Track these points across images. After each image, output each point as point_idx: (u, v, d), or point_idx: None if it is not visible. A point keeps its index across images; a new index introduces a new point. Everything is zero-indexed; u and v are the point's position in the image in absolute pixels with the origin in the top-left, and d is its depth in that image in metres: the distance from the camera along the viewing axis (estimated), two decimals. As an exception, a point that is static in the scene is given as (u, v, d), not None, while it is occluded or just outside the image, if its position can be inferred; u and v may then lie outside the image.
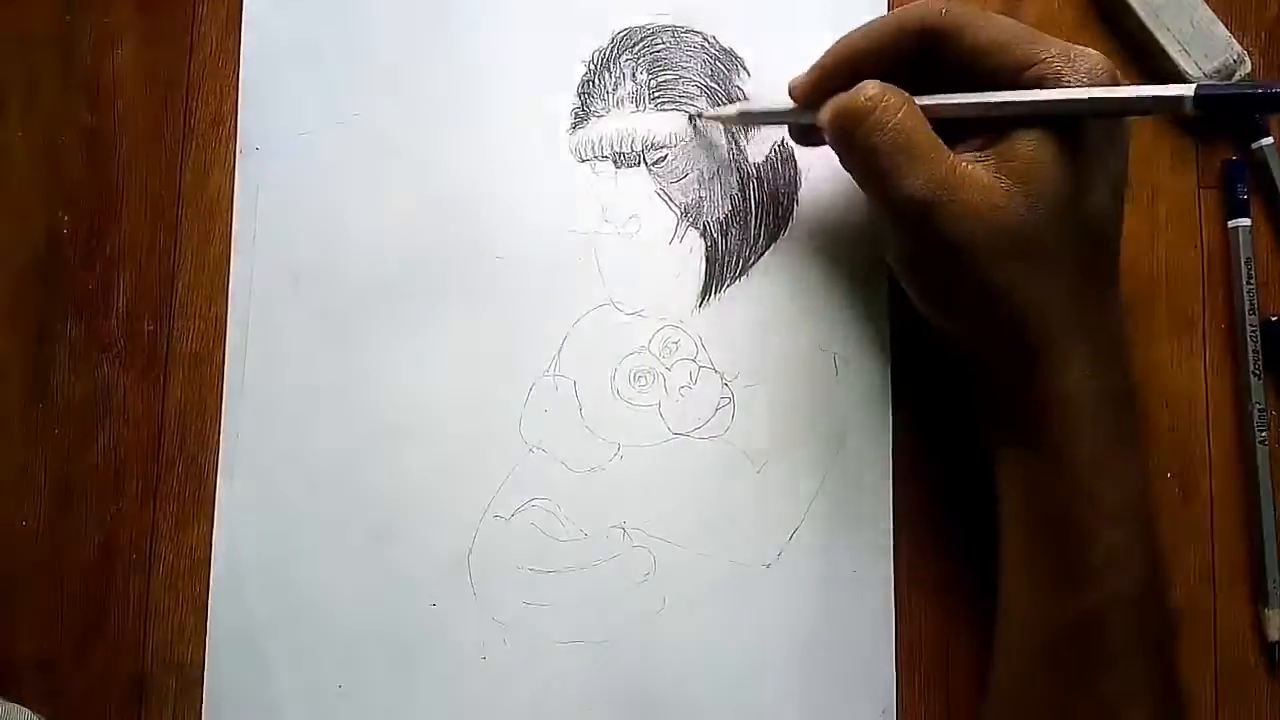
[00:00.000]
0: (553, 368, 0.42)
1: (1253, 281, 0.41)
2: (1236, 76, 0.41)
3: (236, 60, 0.44)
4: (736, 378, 0.42)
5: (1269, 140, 0.41)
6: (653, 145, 0.42)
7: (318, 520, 0.42)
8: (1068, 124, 0.34)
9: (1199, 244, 0.42)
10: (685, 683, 0.41)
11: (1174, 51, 0.41)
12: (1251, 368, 0.41)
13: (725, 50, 0.43)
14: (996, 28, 0.35)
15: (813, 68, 0.38)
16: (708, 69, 0.43)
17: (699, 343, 0.42)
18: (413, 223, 0.43)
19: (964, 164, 0.34)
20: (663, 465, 0.41)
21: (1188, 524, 0.41)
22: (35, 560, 0.42)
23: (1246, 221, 0.41)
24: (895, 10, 0.37)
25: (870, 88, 0.35)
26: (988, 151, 0.34)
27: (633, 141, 0.42)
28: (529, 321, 0.42)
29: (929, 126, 0.34)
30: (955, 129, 0.35)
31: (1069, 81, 0.33)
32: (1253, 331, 0.41)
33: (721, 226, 0.42)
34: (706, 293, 0.42)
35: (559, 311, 0.42)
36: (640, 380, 0.42)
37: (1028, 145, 0.33)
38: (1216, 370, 0.42)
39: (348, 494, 0.42)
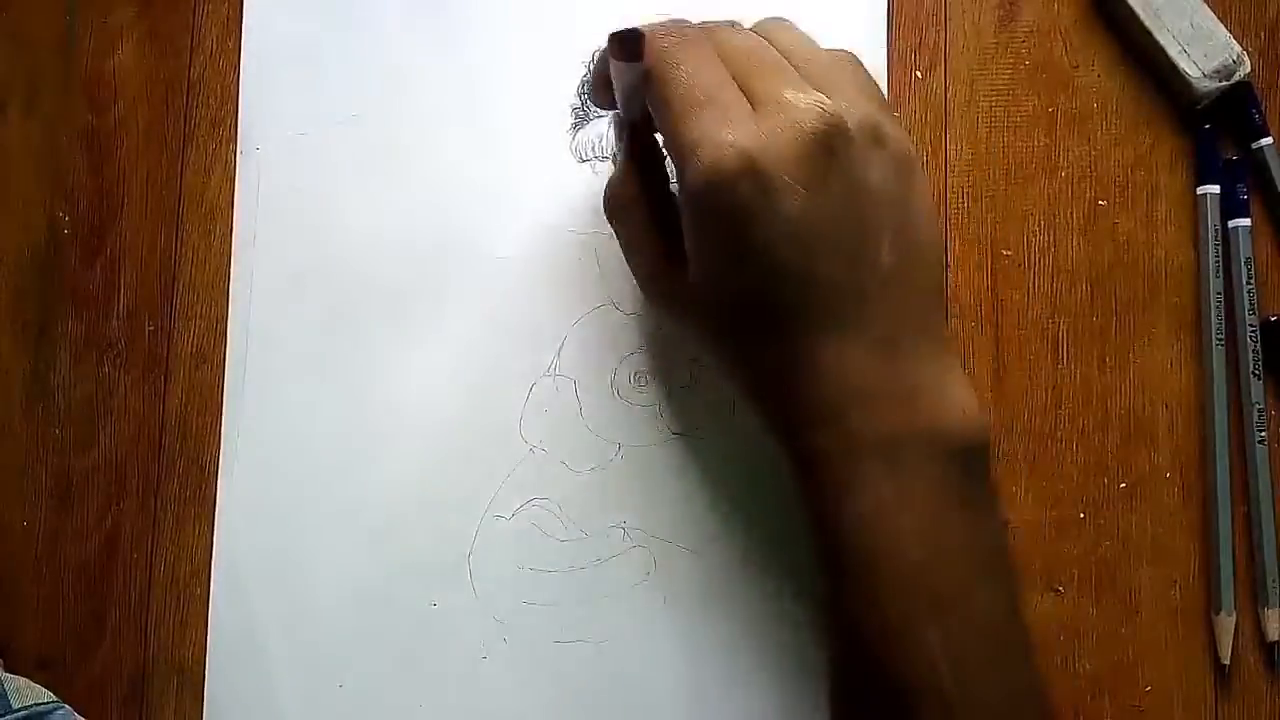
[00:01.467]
0: (553, 368, 0.42)
1: (1252, 281, 0.41)
2: (1236, 77, 0.41)
3: (237, 61, 0.44)
4: (736, 378, 0.42)
5: (1268, 140, 0.41)
6: (653, 145, 0.42)
7: (318, 520, 0.42)
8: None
9: (1198, 244, 0.42)
10: (685, 683, 0.41)
11: (1174, 52, 0.41)
12: (1251, 368, 0.41)
13: (725, 50, 0.43)
14: (698, 72, 0.34)
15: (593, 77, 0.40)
16: (708, 69, 0.43)
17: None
18: (413, 223, 0.43)
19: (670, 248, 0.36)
20: (663, 465, 0.41)
21: (1187, 524, 0.41)
22: (36, 560, 0.43)
23: (1246, 221, 0.41)
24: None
25: (612, 182, 0.39)
26: None
27: (633, 141, 0.42)
28: (529, 321, 0.42)
29: (647, 221, 0.38)
30: None
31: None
32: (1252, 331, 0.41)
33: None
34: (706, 293, 0.42)
35: (559, 311, 0.42)
36: (640, 380, 0.42)
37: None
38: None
39: (348, 493, 0.42)
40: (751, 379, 0.36)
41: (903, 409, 0.33)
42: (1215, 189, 0.41)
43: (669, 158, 0.35)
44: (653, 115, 0.35)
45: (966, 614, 0.33)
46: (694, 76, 0.33)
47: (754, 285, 0.33)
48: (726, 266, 0.34)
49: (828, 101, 0.33)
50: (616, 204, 0.39)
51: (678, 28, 0.35)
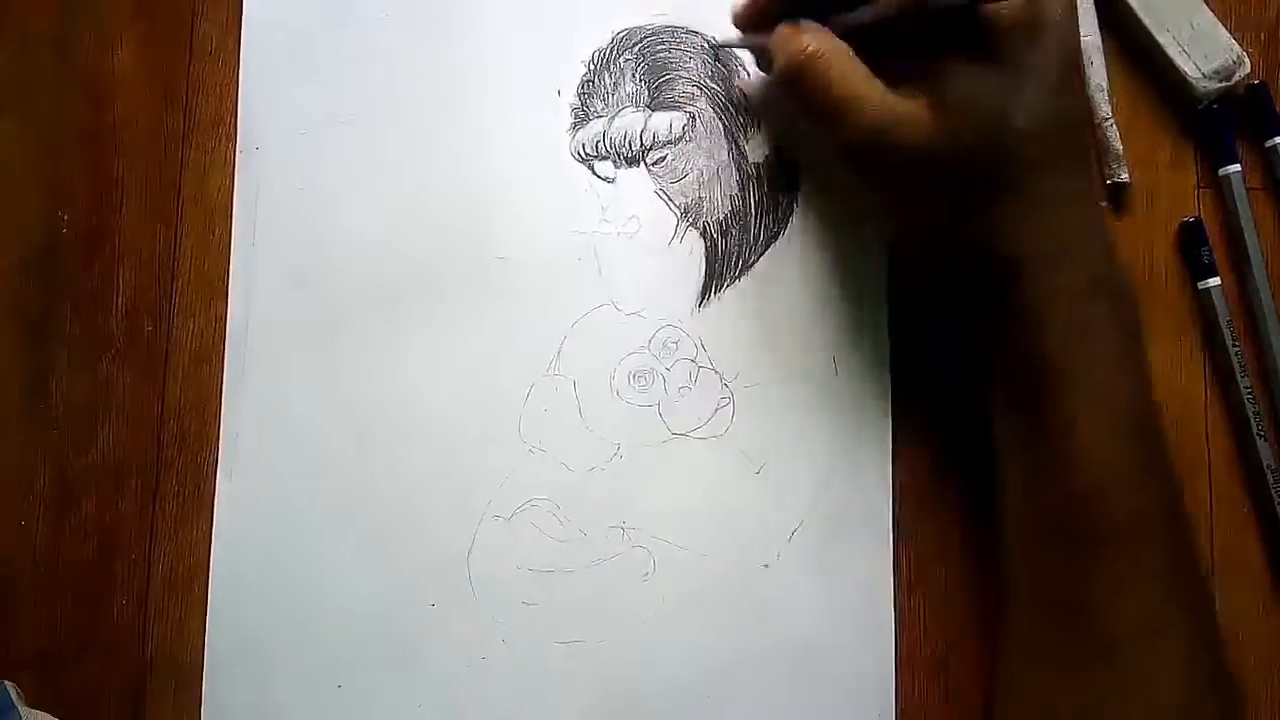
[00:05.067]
0: (553, 368, 0.42)
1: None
2: (1236, 78, 0.41)
3: (236, 60, 0.44)
4: (736, 378, 0.42)
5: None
6: (653, 145, 0.43)
7: (317, 520, 0.42)
8: (982, 42, 0.34)
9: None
10: (684, 683, 0.41)
11: (1174, 53, 0.41)
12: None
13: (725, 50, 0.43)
14: None
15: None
16: (708, 69, 0.43)
17: (699, 343, 0.42)
18: (412, 223, 0.43)
19: (901, 101, 0.35)
20: (663, 465, 0.41)
21: (1187, 524, 0.41)
22: (35, 560, 0.42)
23: (1216, 281, 0.41)
24: None
25: (804, 40, 0.36)
26: (924, 85, 0.35)
27: (632, 141, 0.42)
28: (529, 321, 0.42)
29: (862, 67, 0.36)
30: (896, 67, 0.36)
31: None
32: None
33: (721, 227, 0.42)
34: (706, 293, 0.42)
35: (559, 311, 0.42)
36: (640, 380, 0.42)
37: (952, 73, 0.34)
38: (1215, 371, 0.42)
39: (348, 494, 0.42)
40: (978, 231, 0.35)
41: (1108, 248, 0.36)
42: (1237, 168, 0.41)
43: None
44: None
45: (1165, 443, 0.36)
46: None
47: (1043, 119, 0.34)
48: (1019, 97, 0.34)
49: None
50: (817, 56, 0.36)
51: None
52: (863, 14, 0.36)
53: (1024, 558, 0.36)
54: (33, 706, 0.41)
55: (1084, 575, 0.34)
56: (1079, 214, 0.35)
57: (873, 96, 0.35)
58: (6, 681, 0.41)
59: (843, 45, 0.36)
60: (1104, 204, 0.39)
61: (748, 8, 0.39)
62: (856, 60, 0.36)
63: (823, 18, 0.37)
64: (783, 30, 0.37)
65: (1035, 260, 0.35)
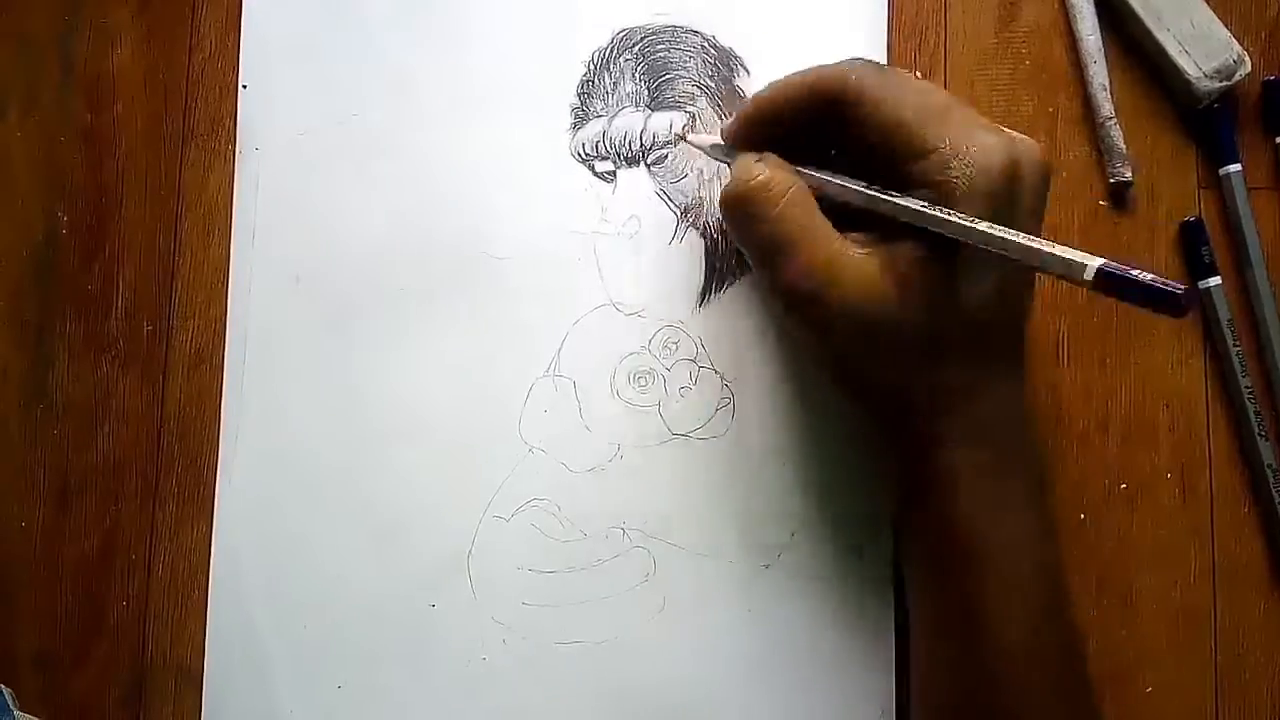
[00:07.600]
0: (553, 368, 0.42)
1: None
2: (1236, 76, 0.41)
3: (236, 60, 0.44)
4: (736, 378, 0.42)
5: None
6: (653, 145, 0.42)
7: (318, 520, 0.42)
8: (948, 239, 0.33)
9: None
10: (684, 683, 0.41)
11: (1174, 52, 0.41)
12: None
13: (725, 50, 0.43)
14: (899, 105, 0.34)
15: (736, 116, 0.38)
16: (708, 69, 0.43)
17: (699, 343, 0.42)
18: (412, 223, 0.43)
19: (849, 252, 0.34)
20: (663, 465, 0.41)
21: (1187, 524, 0.41)
22: (35, 560, 0.43)
23: (1216, 280, 0.41)
24: (816, 67, 0.36)
25: (758, 170, 0.35)
26: (877, 245, 0.34)
27: (632, 142, 0.42)
28: (529, 321, 0.42)
29: (816, 209, 0.35)
30: (853, 212, 0.35)
31: (955, 184, 0.32)
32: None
33: (721, 227, 0.42)
34: (706, 293, 0.42)
35: (559, 311, 0.42)
36: (640, 380, 0.42)
37: (912, 252, 0.33)
38: (1216, 371, 0.42)
39: (348, 494, 0.42)
40: (899, 397, 0.35)
41: (1029, 431, 0.36)
42: (1238, 167, 0.41)
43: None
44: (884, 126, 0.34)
45: (1072, 619, 0.36)
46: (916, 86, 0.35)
47: (990, 312, 0.34)
48: (973, 293, 0.33)
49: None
50: (768, 186, 0.35)
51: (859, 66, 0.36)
52: (836, 183, 0.35)
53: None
54: (34, 707, 0.41)
55: None
56: (1004, 397, 0.35)
57: (824, 236, 0.34)
58: (2, 686, 0.41)
59: (800, 181, 0.35)
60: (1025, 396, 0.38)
61: (738, 125, 0.38)
62: (812, 200, 0.35)
63: (802, 164, 0.36)
64: (743, 157, 0.37)
65: (954, 433, 0.34)
